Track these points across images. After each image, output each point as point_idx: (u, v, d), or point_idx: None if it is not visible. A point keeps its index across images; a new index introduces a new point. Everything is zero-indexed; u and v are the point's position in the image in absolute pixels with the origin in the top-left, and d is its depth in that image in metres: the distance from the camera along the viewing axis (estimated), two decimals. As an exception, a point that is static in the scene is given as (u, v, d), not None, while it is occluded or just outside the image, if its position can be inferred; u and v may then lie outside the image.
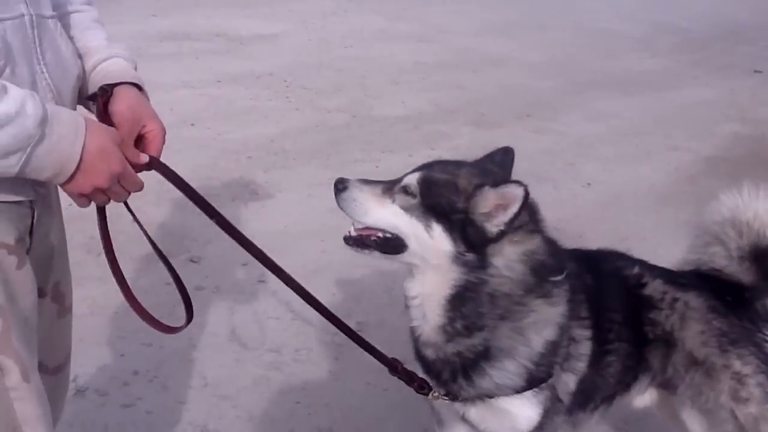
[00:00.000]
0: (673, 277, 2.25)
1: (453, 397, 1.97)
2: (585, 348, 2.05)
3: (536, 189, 5.38)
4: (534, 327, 1.90)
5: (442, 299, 1.86)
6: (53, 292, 1.75)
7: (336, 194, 1.96)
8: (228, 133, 5.91)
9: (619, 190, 5.44)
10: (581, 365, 2.06)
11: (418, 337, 1.95)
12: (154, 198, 4.66)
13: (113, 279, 1.68)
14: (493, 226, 1.82)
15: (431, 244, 1.84)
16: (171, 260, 3.89)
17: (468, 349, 1.89)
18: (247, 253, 1.74)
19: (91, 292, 3.45)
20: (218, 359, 3.15)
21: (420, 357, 2.00)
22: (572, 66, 9.06)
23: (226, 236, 4.16)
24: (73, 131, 1.41)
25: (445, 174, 1.92)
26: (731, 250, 2.20)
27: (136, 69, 1.82)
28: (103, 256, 1.68)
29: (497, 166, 2.10)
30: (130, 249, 3.94)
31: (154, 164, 1.62)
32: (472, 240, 1.83)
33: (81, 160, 1.42)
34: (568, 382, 2.02)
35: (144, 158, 1.60)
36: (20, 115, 1.32)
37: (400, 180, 1.93)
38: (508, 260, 1.85)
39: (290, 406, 2.94)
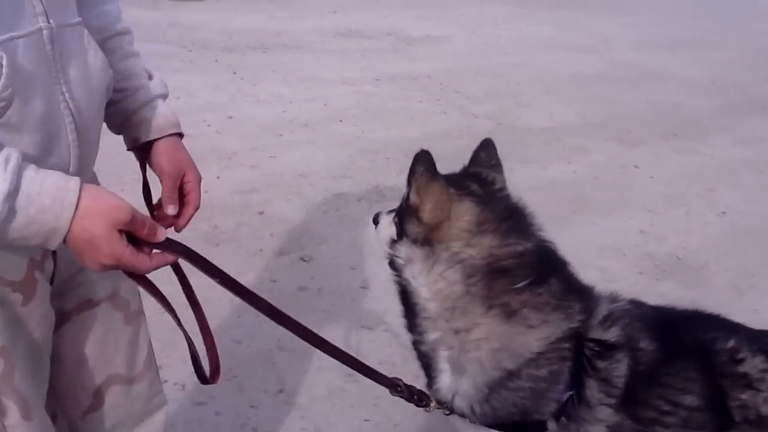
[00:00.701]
0: None
1: (448, 409, 1.65)
2: (606, 415, 1.59)
3: (667, 214, 4.80)
4: (474, 348, 1.55)
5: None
6: (112, 300, 1.54)
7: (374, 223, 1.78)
8: (372, 132, 5.69)
9: (756, 222, 4.69)
10: None
11: None
12: (285, 192, 4.54)
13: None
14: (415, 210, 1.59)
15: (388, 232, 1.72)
16: (282, 257, 3.80)
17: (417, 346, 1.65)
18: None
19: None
20: (300, 365, 2.92)
21: None
22: (731, 87, 8.08)
23: (341, 238, 3.98)
24: (59, 203, 1.12)
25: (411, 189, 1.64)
26: None
27: (167, 93, 1.57)
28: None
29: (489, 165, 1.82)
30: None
31: (168, 246, 1.29)
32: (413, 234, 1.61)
33: (69, 238, 1.14)
34: None
35: (161, 237, 1.25)
36: None
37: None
38: (441, 258, 1.57)
39: (358, 422, 2.67)
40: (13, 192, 1.07)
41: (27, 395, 1.32)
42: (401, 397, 1.70)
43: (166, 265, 1.31)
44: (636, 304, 1.78)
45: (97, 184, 1.47)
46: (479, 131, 6.08)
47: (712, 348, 1.70)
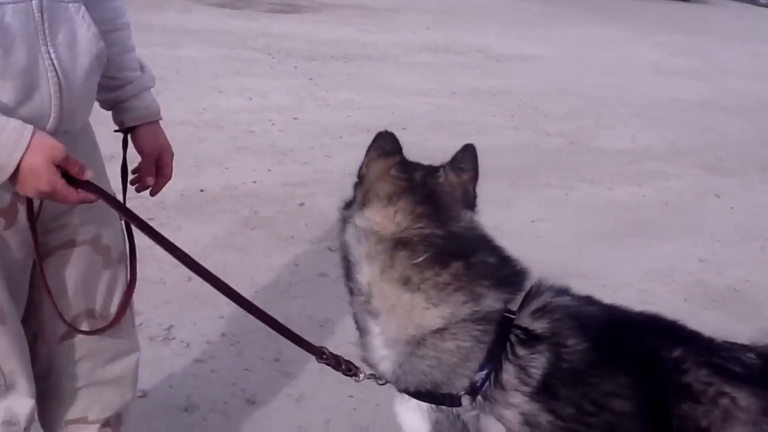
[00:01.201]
0: (727, 364, 1.86)
1: (388, 382, 1.85)
2: (519, 401, 1.74)
3: (737, 246, 4.80)
4: (382, 305, 1.76)
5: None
6: (93, 244, 1.84)
7: None
8: (432, 141, 5.97)
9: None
10: (513, 420, 1.77)
11: None
12: (330, 188, 4.88)
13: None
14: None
15: None
16: (311, 246, 4.13)
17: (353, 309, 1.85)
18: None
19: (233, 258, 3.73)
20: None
21: None
22: None
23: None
24: (12, 143, 1.45)
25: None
26: None
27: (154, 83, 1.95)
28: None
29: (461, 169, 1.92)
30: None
31: (89, 186, 1.61)
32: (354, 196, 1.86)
33: (17, 171, 1.47)
34: (493, 428, 1.77)
35: (87, 176, 1.59)
36: None
37: None
38: (364, 217, 1.78)
39: (342, 397, 2.88)
40: None
41: (3, 304, 1.65)
42: (327, 364, 1.92)
43: (89, 201, 1.62)
44: (584, 302, 1.93)
45: (92, 136, 1.84)
46: (547, 148, 6.27)
47: (657, 355, 1.79)
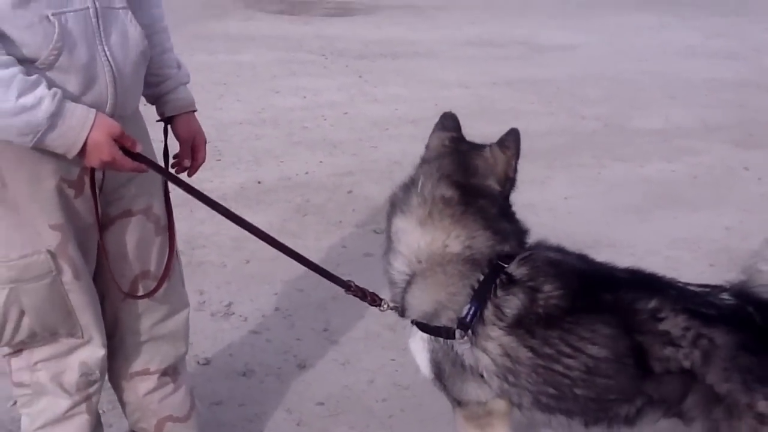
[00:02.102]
0: (702, 309, 1.94)
1: (400, 312, 2.03)
2: (496, 335, 1.90)
3: (763, 214, 4.75)
4: (395, 233, 2.01)
5: None
6: (146, 213, 2.06)
7: None
8: (473, 129, 5.95)
9: None
10: (494, 353, 1.92)
11: None
12: (377, 176, 5.03)
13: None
14: None
15: None
16: (358, 229, 4.28)
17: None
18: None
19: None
20: (348, 313, 3.33)
21: None
22: None
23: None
24: (80, 124, 1.69)
25: None
26: None
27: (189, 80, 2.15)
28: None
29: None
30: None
31: (140, 157, 1.84)
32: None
33: (84, 146, 1.71)
34: (481, 360, 1.92)
35: (138, 149, 1.82)
36: (34, 108, 1.61)
37: None
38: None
39: (384, 361, 3.04)
40: (56, 114, 1.64)
41: (77, 263, 1.88)
42: (355, 296, 2.11)
43: (142, 170, 1.85)
44: (571, 256, 2.04)
45: (142, 121, 2.05)
46: (581, 130, 6.29)
47: (633, 307, 1.89)
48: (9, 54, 1.60)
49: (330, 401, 2.80)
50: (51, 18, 1.64)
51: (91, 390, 2.04)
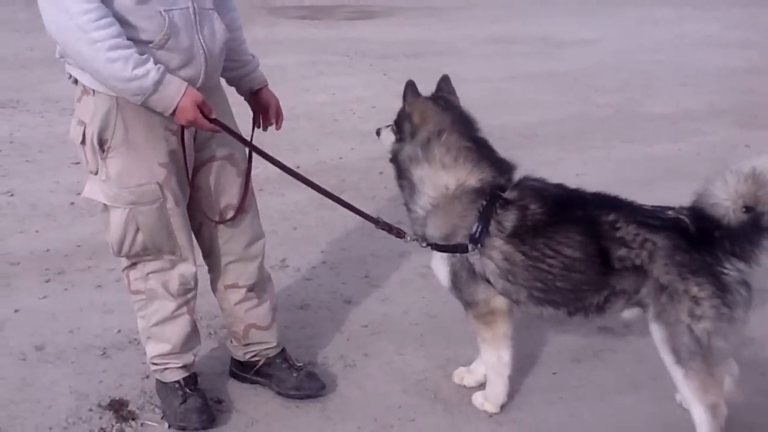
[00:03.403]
0: (648, 221, 2.64)
1: (422, 240, 2.82)
2: (495, 243, 2.71)
3: None
4: (419, 181, 2.78)
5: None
6: (229, 159, 2.82)
7: (377, 135, 3.06)
8: (494, 118, 6.77)
9: None
10: (497, 258, 2.71)
11: None
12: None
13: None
14: (407, 117, 2.83)
15: (390, 140, 2.94)
16: (390, 202, 5.12)
17: (405, 199, 2.88)
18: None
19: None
20: (386, 265, 4.16)
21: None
22: None
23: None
24: (175, 92, 2.42)
25: (405, 105, 2.89)
26: (736, 196, 2.52)
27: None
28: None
29: (448, 93, 2.93)
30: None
31: (217, 122, 2.60)
32: (404, 132, 2.85)
33: (176, 108, 2.45)
34: (488, 265, 2.73)
35: (213, 115, 2.58)
36: (144, 77, 2.32)
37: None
38: (411, 136, 2.81)
39: (416, 298, 3.85)
40: (159, 82, 2.41)
41: (177, 194, 2.67)
42: (383, 229, 2.93)
43: (216, 131, 2.62)
44: (551, 185, 2.84)
45: (222, 90, 2.85)
46: (595, 117, 7.09)
47: (597, 220, 2.68)
48: (129, 37, 2.34)
49: (372, 324, 3.62)
50: (163, 13, 2.43)
51: (189, 296, 2.82)
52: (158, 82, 2.37)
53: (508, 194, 2.76)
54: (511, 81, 8.33)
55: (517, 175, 2.85)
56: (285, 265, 4.23)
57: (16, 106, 7.08)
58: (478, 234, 2.74)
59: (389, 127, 2.97)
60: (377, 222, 2.96)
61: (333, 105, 7.46)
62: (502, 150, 2.93)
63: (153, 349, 2.87)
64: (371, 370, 3.26)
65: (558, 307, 2.80)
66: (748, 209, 2.56)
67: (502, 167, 2.84)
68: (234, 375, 3.18)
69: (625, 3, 14.37)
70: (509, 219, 2.73)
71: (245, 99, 3.00)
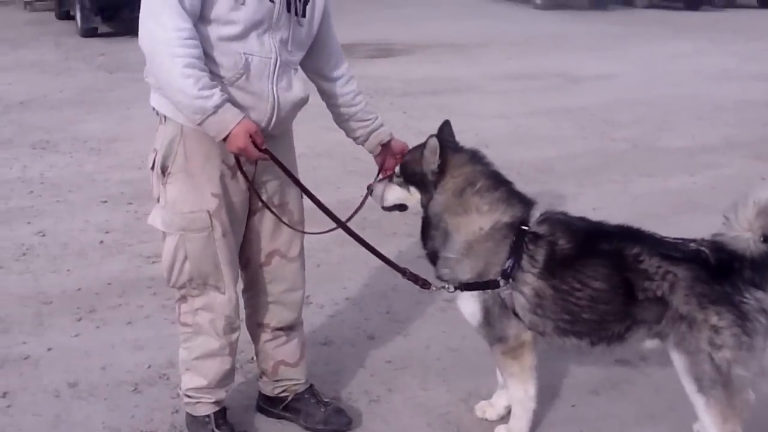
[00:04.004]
0: (671, 253, 2.74)
1: (450, 284, 2.89)
2: (528, 280, 2.79)
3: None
4: (454, 228, 2.85)
5: (421, 222, 2.97)
6: (283, 207, 2.93)
7: (368, 194, 3.16)
8: (512, 154, 6.95)
9: None
10: (528, 293, 2.79)
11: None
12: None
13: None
14: (431, 173, 2.85)
15: (411, 199, 2.99)
16: (410, 238, 5.21)
17: (430, 249, 2.95)
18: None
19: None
20: (406, 300, 4.25)
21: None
22: None
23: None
24: (231, 119, 2.53)
25: (409, 156, 3.01)
26: (754, 227, 2.64)
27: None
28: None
29: (449, 137, 3.03)
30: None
31: (267, 152, 2.68)
32: (428, 186, 2.86)
33: (228, 134, 2.55)
34: (519, 300, 2.80)
35: (263, 145, 2.62)
36: (208, 98, 2.45)
37: (393, 174, 3.05)
38: (442, 189, 2.86)
39: (436, 332, 3.94)
40: (219, 105, 2.48)
41: (225, 225, 2.76)
42: (409, 280, 3.01)
43: (264, 159, 2.69)
44: (575, 218, 2.95)
45: (290, 140, 2.98)
46: (612, 152, 7.18)
47: (621, 252, 2.78)
48: (209, 68, 2.51)
49: (395, 360, 3.71)
50: (243, 55, 2.58)
51: (233, 337, 2.90)
52: (218, 106, 2.49)
53: (538, 228, 2.85)
54: (529, 117, 8.45)
55: (538, 209, 2.93)
56: (309, 302, 4.31)
57: (46, 147, 7.29)
58: (509, 269, 2.82)
59: (391, 182, 3.08)
60: (404, 272, 3.05)
61: (354, 143, 7.57)
62: (521, 185, 3.03)
63: (189, 381, 2.95)
64: (395, 405, 3.34)
65: (582, 337, 2.87)
66: (766, 239, 2.66)
67: (525, 202, 2.93)
68: (261, 410, 3.26)
69: (642, 38, 14.52)
70: (540, 253, 2.81)
71: (374, 155, 3.18)
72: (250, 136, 2.58)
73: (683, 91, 9.64)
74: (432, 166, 2.88)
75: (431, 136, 2.91)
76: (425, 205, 2.96)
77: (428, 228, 2.97)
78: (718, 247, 2.73)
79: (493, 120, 8.32)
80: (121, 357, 3.69)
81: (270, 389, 3.19)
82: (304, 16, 2.75)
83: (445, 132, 3.05)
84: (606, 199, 5.98)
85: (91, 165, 6.76)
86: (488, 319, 2.91)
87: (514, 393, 3.00)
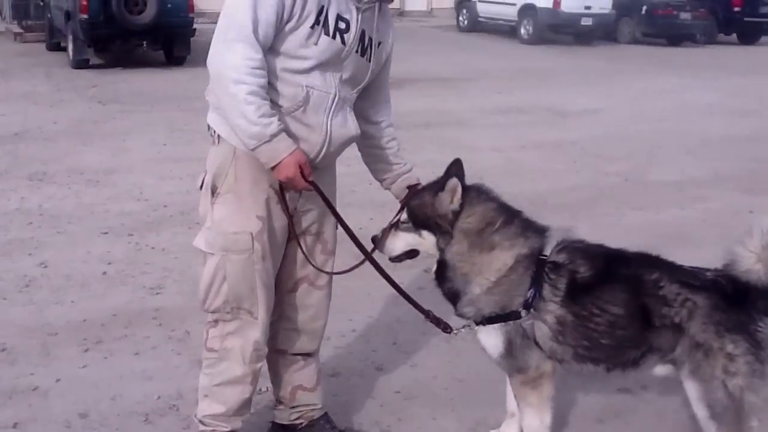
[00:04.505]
0: (690, 281, 2.78)
1: (473, 321, 2.88)
2: (550, 308, 2.80)
3: None
4: (478, 267, 2.83)
5: (437, 264, 2.94)
6: (318, 236, 2.98)
7: (376, 247, 3.08)
8: (505, 186, 6.94)
9: None
10: (551, 322, 2.80)
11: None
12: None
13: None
14: (450, 213, 2.85)
15: (425, 243, 2.95)
16: (411, 270, 5.28)
17: (449, 289, 2.93)
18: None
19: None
20: (411, 330, 4.30)
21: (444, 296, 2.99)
22: None
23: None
24: (284, 148, 2.57)
25: (418, 200, 2.97)
26: (761, 257, 2.70)
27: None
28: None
29: (461, 176, 2.95)
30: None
31: (313, 184, 2.73)
32: (443, 228, 2.87)
33: (278, 163, 2.59)
34: (541, 329, 2.81)
35: (310, 177, 2.67)
36: (267, 126, 2.51)
37: (398, 221, 3.00)
38: (461, 229, 2.85)
39: (443, 362, 3.98)
40: (275, 134, 2.53)
41: (266, 249, 2.76)
42: (431, 322, 3.01)
43: (310, 190, 2.70)
44: (593, 245, 3.02)
45: (333, 172, 3.04)
46: (604, 185, 7.30)
47: (641, 278, 2.82)
48: (270, 97, 2.57)
49: (404, 390, 3.74)
50: (304, 88, 2.65)
51: (258, 365, 2.89)
52: (274, 135, 2.56)
53: (557, 257, 2.86)
54: (521, 150, 8.58)
55: (552, 236, 2.95)
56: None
57: (43, 179, 7.29)
58: (531, 299, 2.83)
59: (398, 230, 3.03)
60: (427, 314, 3.04)
61: (350, 176, 7.53)
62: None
63: (207, 407, 2.94)
64: (405, 435, 3.38)
65: (598, 363, 2.89)
66: None
67: (539, 231, 2.95)
68: None
69: (627, 73, 14.79)
70: (562, 282, 2.82)
71: (399, 199, 3.14)
72: (300, 166, 2.63)
73: (670, 125, 9.83)
74: (453, 206, 2.87)
75: (449, 177, 2.88)
76: (442, 248, 2.91)
77: (446, 270, 2.93)
78: (732, 277, 2.77)
79: (485, 153, 8.43)
80: (130, 388, 3.70)
81: (286, 416, 3.21)
82: (369, 60, 2.82)
83: (455, 171, 3.00)
84: (600, 231, 6.04)
85: (89, 197, 6.77)
86: (510, 350, 2.90)
87: (530, 422, 3.01)
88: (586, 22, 20.72)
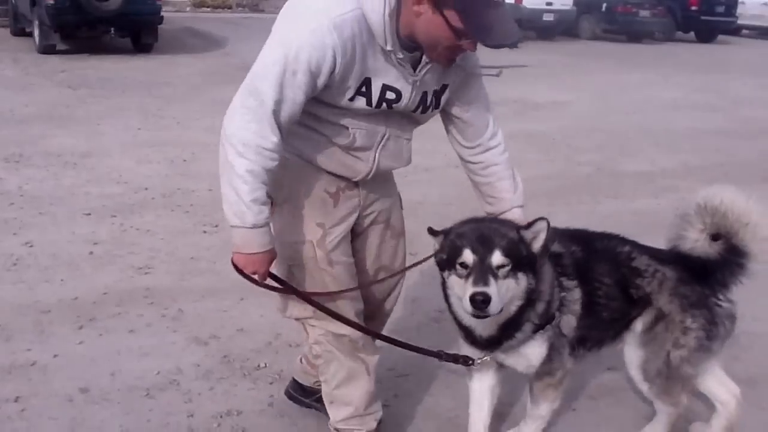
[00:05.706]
0: (657, 255, 2.91)
1: (490, 356, 2.78)
2: (575, 295, 2.79)
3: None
4: (542, 292, 2.69)
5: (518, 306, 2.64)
6: (386, 224, 2.85)
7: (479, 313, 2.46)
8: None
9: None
10: (576, 308, 2.82)
11: (475, 330, 2.75)
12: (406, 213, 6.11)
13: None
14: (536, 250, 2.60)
15: (518, 289, 2.56)
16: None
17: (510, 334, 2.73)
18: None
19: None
20: (408, 358, 4.39)
21: (472, 340, 2.80)
22: None
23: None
24: (258, 244, 2.45)
25: (504, 240, 2.54)
26: (700, 229, 2.85)
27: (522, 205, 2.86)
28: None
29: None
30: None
31: (265, 285, 2.61)
32: (534, 266, 2.59)
33: (248, 253, 2.46)
34: (570, 321, 2.80)
35: (264, 277, 2.56)
36: (255, 214, 2.37)
37: (490, 266, 2.46)
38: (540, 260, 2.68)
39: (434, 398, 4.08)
40: (256, 225, 2.39)
41: (332, 253, 2.64)
42: (447, 361, 2.92)
43: (258, 285, 2.58)
44: (563, 228, 2.98)
45: (392, 183, 2.94)
46: (577, 174, 7.45)
47: (615, 251, 2.93)
48: (315, 131, 2.51)
49: (398, 366, 3.80)
50: (351, 131, 2.51)
51: (362, 355, 2.82)
52: (255, 225, 2.41)
53: (555, 248, 2.82)
54: (494, 140, 8.68)
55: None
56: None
57: (20, 160, 7.20)
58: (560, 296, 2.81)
59: (497, 279, 2.50)
60: (440, 356, 2.91)
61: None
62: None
63: (336, 413, 2.91)
64: (404, 410, 3.45)
65: (594, 340, 2.94)
66: (715, 237, 2.87)
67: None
68: (291, 397, 3.34)
69: (591, 68, 15.05)
70: (570, 268, 2.83)
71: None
72: (255, 268, 2.53)
73: (637, 118, 10.04)
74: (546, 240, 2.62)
75: (541, 218, 2.62)
76: (529, 289, 2.59)
77: (525, 312, 2.66)
78: (688, 255, 2.89)
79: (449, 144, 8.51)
80: (129, 364, 3.71)
81: (307, 378, 3.25)
82: (428, 111, 2.65)
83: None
84: (577, 219, 6.07)
85: (68, 179, 6.71)
86: (551, 355, 2.81)
87: (541, 412, 2.96)
88: (548, 17, 21.06)
